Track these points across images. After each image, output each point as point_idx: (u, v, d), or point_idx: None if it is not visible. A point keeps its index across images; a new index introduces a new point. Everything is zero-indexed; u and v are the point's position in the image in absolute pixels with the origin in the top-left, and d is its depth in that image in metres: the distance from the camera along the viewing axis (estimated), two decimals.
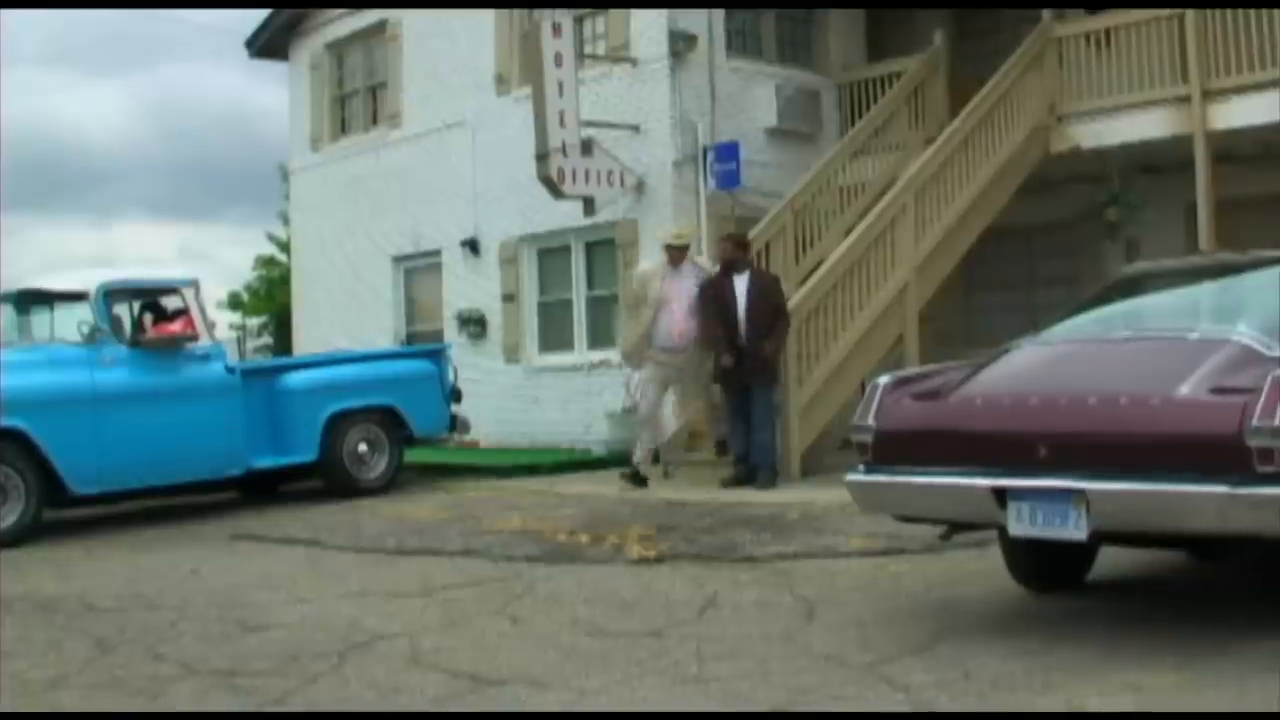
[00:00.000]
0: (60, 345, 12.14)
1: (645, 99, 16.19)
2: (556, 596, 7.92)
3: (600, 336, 17.15)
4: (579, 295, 17.52)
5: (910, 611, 7.00)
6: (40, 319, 12.91)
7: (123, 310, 12.82)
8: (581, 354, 17.31)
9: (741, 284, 12.42)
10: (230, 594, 8.49)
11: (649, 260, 13.60)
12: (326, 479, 13.55)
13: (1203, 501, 5.26)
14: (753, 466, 12.28)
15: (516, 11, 17.71)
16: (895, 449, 6.44)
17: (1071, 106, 15.33)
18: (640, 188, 16.13)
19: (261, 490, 13.98)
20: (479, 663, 6.23)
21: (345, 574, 9.16)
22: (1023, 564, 7.10)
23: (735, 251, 12.73)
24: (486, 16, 18.24)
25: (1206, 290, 6.84)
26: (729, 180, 15.63)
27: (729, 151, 15.72)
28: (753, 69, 16.83)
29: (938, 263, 14.29)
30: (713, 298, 12.48)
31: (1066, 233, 16.20)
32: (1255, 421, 5.16)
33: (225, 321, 33.72)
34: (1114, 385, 5.82)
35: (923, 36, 17.21)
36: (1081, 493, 5.63)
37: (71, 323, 12.32)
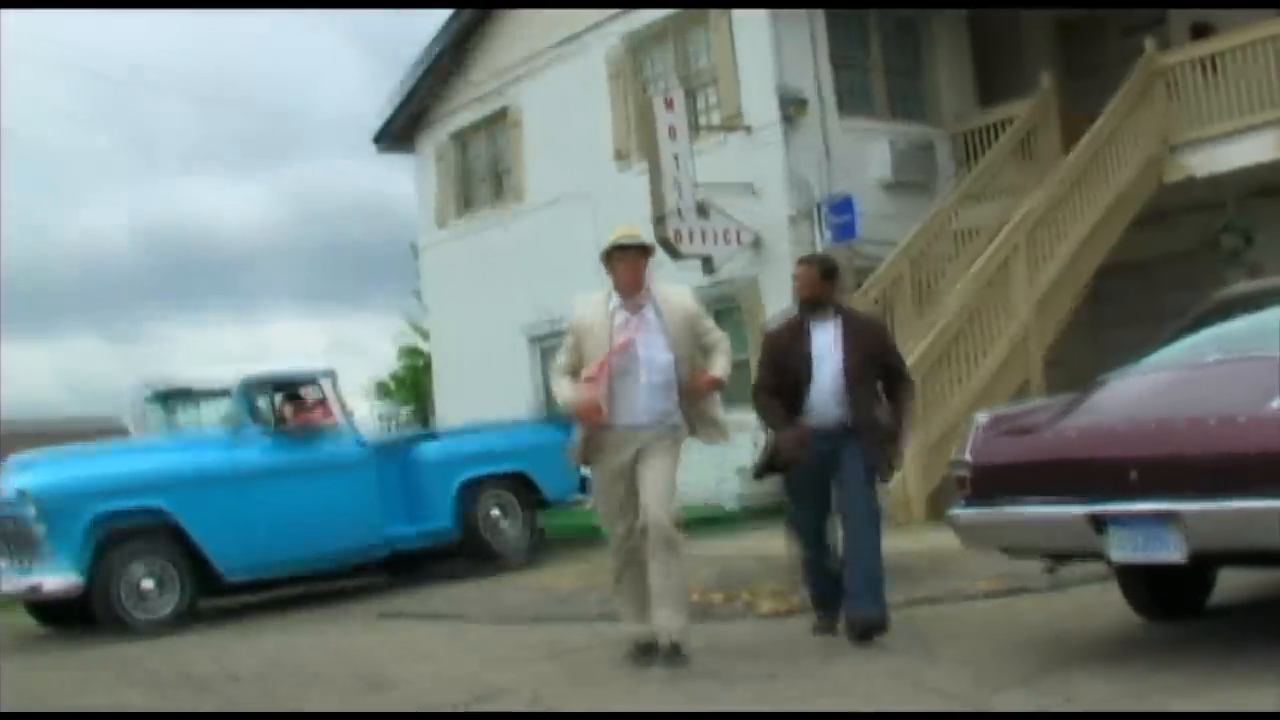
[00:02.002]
0: (202, 432, 12.69)
1: (760, 162, 16.51)
2: (690, 649, 8.13)
3: (726, 394, 17.32)
4: None
5: (1027, 646, 7.07)
6: (187, 415, 13.45)
7: (264, 402, 13.29)
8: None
9: (825, 334, 7.82)
10: (368, 663, 8.83)
11: (586, 296, 7.89)
12: (466, 550, 13.88)
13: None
14: (855, 611, 7.61)
15: (631, 87, 18.14)
16: (993, 483, 6.56)
17: (1183, 136, 15.39)
18: (757, 244, 16.41)
19: (409, 571, 14.34)
20: (591, 705, 6.46)
21: (483, 643, 9.42)
22: (1138, 594, 7.16)
23: (821, 285, 7.91)
24: (603, 94, 18.73)
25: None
26: (845, 232, 15.83)
27: (845, 204, 15.95)
28: (865, 126, 17.14)
29: (1057, 301, 14.38)
30: (777, 350, 7.99)
31: (1188, 263, 16.14)
32: None
33: (374, 411, 34.63)
34: (1202, 407, 5.89)
35: (1031, 79, 17.35)
36: (1177, 515, 5.70)
37: (216, 417, 12.87)
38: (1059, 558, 6.75)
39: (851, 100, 17.25)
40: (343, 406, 13.27)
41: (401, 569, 14.22)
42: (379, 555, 13.37)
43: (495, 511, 13.93)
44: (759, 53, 16.57)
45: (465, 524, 13.72)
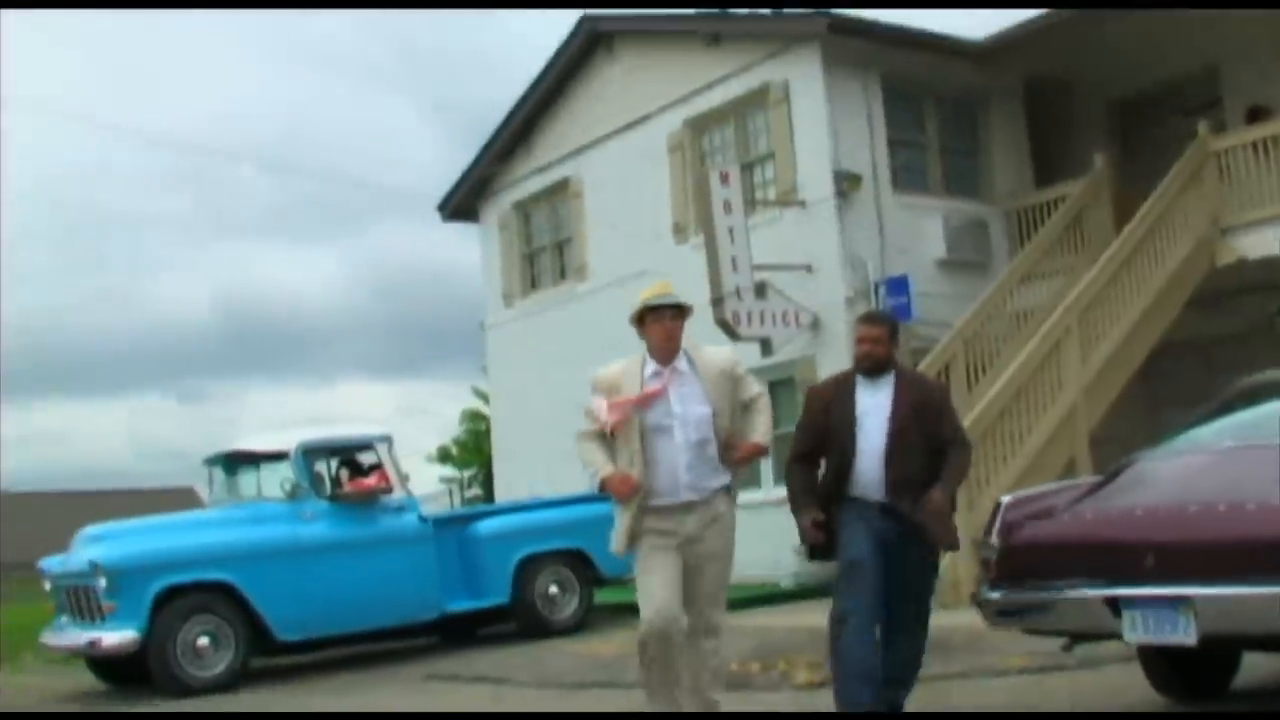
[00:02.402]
0: (264, 503, 13.04)
1: (816, 239, 16.72)
2: None
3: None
4: None
5: None
6: (247, 478, 13.82)
7: (322, 466, 13.61)
8: (768, 491, 17.63)
9: (877, 395, 6.92)
10: None
11: (612, 365, 7.07)
12: (519, 621, 14.11)
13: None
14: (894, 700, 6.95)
15: (690, 161, 18.47)
16: (1016, 565, 6.71)
17: (1234, 219, 15.45)
18: (815, 325, 16.58)
19: (460, 633, 14.56)
20: None
21: (524, 707, 9.64)
22: (1159, 673, 7.26)
23: (889, 345, 7.04)
24: (663, 168, 19.05)
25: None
26: (902, 313, 15.94)
27: (899, 286, 16.13)
28: (920, 203, 17.31)
29: (1107, 382, 14.42)
30: (818, 409, 7.07)
31: (1244, 345, 16.14)
32: None
33: (437, 475, 35.00)
34: (1214, 493, 6.04)
35: (1087, 159, 17.47)
36: (1189, 600, 5.83)
37: (275, 480, 13.22)
38: (1078, 637, 6.87)
39: (907, 177, 17.46)
40: (398, 471, 13.56)
41: (452, 632, 14.44)
42: (431, 620, 13.62)
43: (553, 589, 14.14)
44: (815, 130, 16.84)
45: (521, 598, 13.95)
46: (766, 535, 17.15)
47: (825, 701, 8.61)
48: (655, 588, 6.68)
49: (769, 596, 15.53)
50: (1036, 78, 18.44)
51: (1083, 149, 18.05)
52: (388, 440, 13.69)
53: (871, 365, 6.96)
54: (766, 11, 18.51)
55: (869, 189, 16.74)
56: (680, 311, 6.90)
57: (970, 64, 17.59)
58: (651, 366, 6.86)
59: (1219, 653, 7.14)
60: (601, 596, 14.99)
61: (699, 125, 18.77)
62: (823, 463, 7.06)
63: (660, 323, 6.85)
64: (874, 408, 6.88)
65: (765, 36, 17.62)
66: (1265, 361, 15.58)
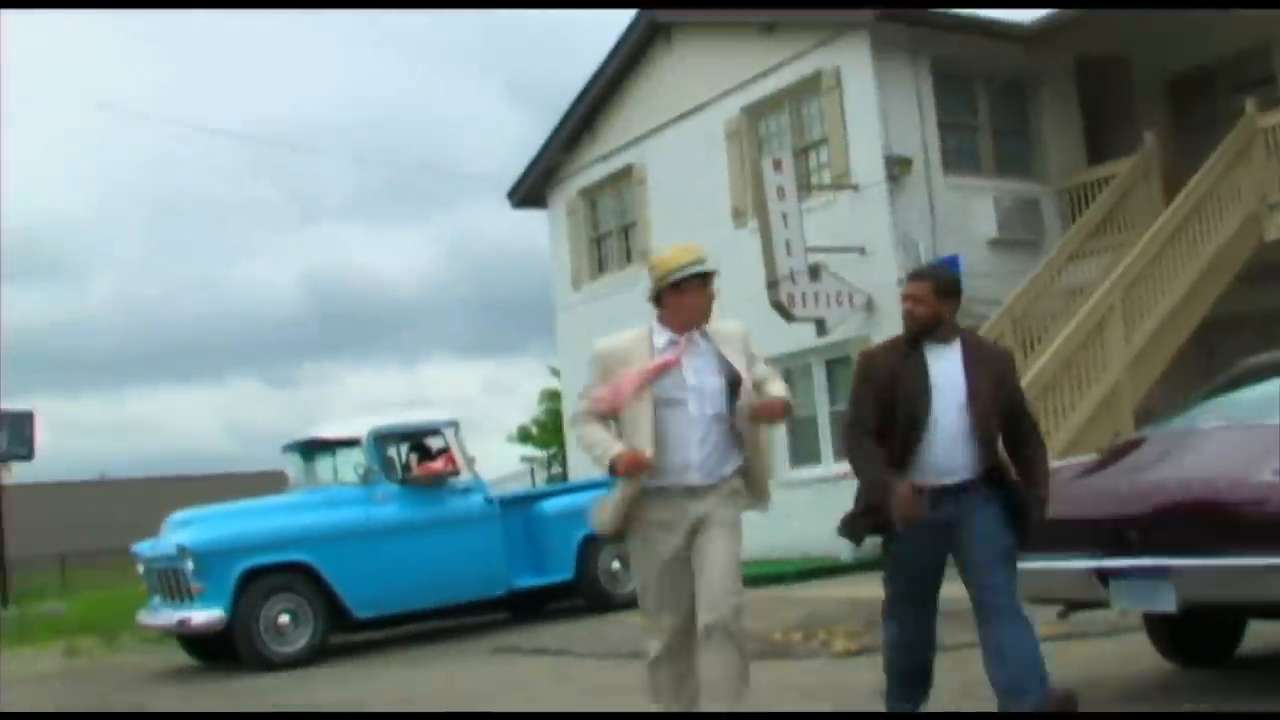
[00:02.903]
0: (338, 487, 13.77)
1: (868, 222, 17.17)
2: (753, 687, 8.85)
3: (796, 451, 18.29)
4: (823, 411, 18.44)
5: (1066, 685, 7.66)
6: (324, 463, 14.55)
7: (393, 451, 14.29)
8: (828, 466, 18.15)
9: (946, 360, 6.13)
10: (475, 695, 9.70)
11: (617, 336, 6.29)
12: (585, 596, 14.73)
13: (1272, 573, 5.93)
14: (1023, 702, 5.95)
15: (748, 148, 18.96)
16: None
17: None
18: (869, 306, 17.03)
19: (529, 609, 15.20)
20: None
21: (582, 676, 10.22)
22: (1162, 640, 7.72)
23: (938, 303, 6.14)
24: (721, 154, 19.56)
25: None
26: None
27: (951, 263, 16.44)
28: (971, 184, 17.72)
29: (1152, 358, 14.75)
30: (883, 377, 6.16)
31: None
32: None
33: (518, 454, 35.73)
34: (1195, 471, 6.51)
35: (1140, 136, 17.73)
36: (1168, 570, 6.31)
37: (350, 465, 13.94)
38: (1074, 605, 7.36)
39: (958, 159, 17.88)
40: (465, 454, 14.21)
41: (521, 607, 15.08)
42: (499, 596, 14.28)
43: (615, 564, 14.72)
44: (866, 115, 17.29)
45: (585, 574, 14.57)
46: (827, 511, 17.70)
47: (858, 667, 9.19)
48: (663, 615, 5.98)
49: (827, 569, 16.00)
50: (1088, 57, 18.71)
51: (1137, 126, 18.28)
52: (454, 425, 14.34)
53: (915, 326, 6.14)
54: None
55: (920, 172, 17.17)
56: (711, 278, 6.15)
57: (1020, 46, 17.94)
58: (664, 336, 6.07)
59: (1220, 619, 7.60)
60: None
61: (755, 112, 19.28)
62: None
63: (702, 290, 6.03)
64: (948, 378, 6.07)
65: (817, 25, 18.06)
66: None
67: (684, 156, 20.23)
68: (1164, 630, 7.66)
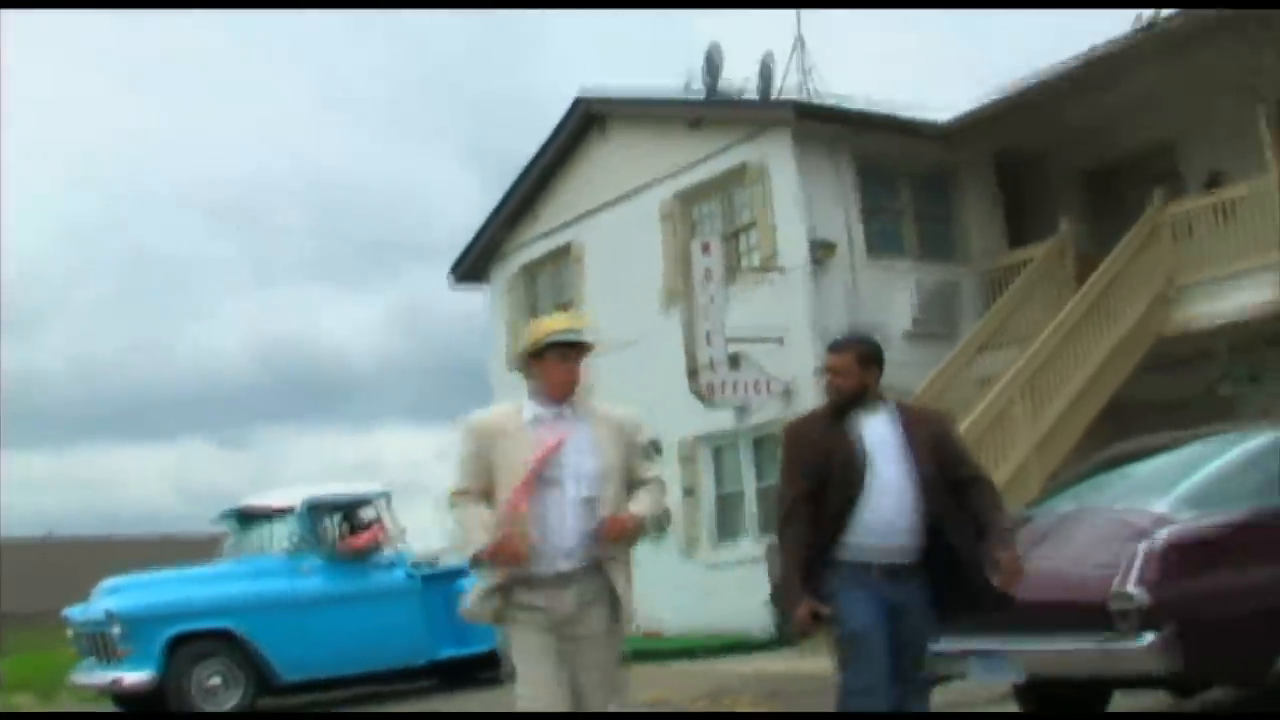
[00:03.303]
0: (266, 557, 14.26)
1: (790, 307, 17.77)
2: None
3: (770, 525, 18.57)
4: (750, 487, 19.01)
5: None
6: (260, 531, 15.02)
7: (327, 521, 14.77)
8: (753, 544, 18.58)
9: (877, 427, 5.88)
10: None
11: (493, 407, 6.17)
12: (504, 666, 15.10)
13: (1082, 654, 6.54)
14: None
15: (679, 230, 19.59)
16: None
17: (1190, 277, 16.46)
18: (787, 394, 17.61)
19: (459, 678, 15.45)
20: None
21: None
22: (1033, 703, 8.23)
23: (863, 373, 5.95)
24: (656, 236, 20.15)
25: (1156, 466, 8.05)
26: None
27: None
28: (894, 266, 18.50)
29: (1060, 438, 15.34)
30: (811, 446, 5.94)
31: (1191, 410, 17.00)
32: (1113, 589, 6.44)
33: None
34: (1038, 555, 7.04)
35: (1058, 223, 18.47)
36: (1007, 653, 7.03)
37: (284, 533, 14.44)
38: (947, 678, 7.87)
39: (881, 243, 18.58)
40: (395, 525, 14.73)
41: (449, 675, 15.40)
42: (423, 665, 14.71)
43: None
44: (790, 204, 17.98)
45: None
46: (747, 588, 18.21)
47: None
48: (541, 703, 5.51)
49: (738, 645, 16.41)
50: (1007, 150, 19.46)
51: (1055, 213, 18.96)
52: (386, 496, 14.88)
53: (840, 399, 5.91)
54: (743, 98, 19.68)
55: (844, 255, 17.83)
56: (586, 350, 5.81)
57: (939, 143, 18.69)
58: (532, 411, 5.68)
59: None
60: None
61: (688, 198, 19.93)
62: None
63: (565, 361, 5.68)
64: (880, 440, 5.80)
65: (741, 121, 18.83)
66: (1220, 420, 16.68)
67: (620, 237, 20.79)
68: (1032, 695, 8.19)
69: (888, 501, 5.68)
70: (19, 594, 46.50)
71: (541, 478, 5.54)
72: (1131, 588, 6.49)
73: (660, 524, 6.37)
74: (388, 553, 14.54)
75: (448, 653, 14.74)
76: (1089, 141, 18.82)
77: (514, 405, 5.79)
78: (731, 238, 19.06)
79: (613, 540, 5.59)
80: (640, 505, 5.68)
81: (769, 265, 18.26)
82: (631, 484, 5.74)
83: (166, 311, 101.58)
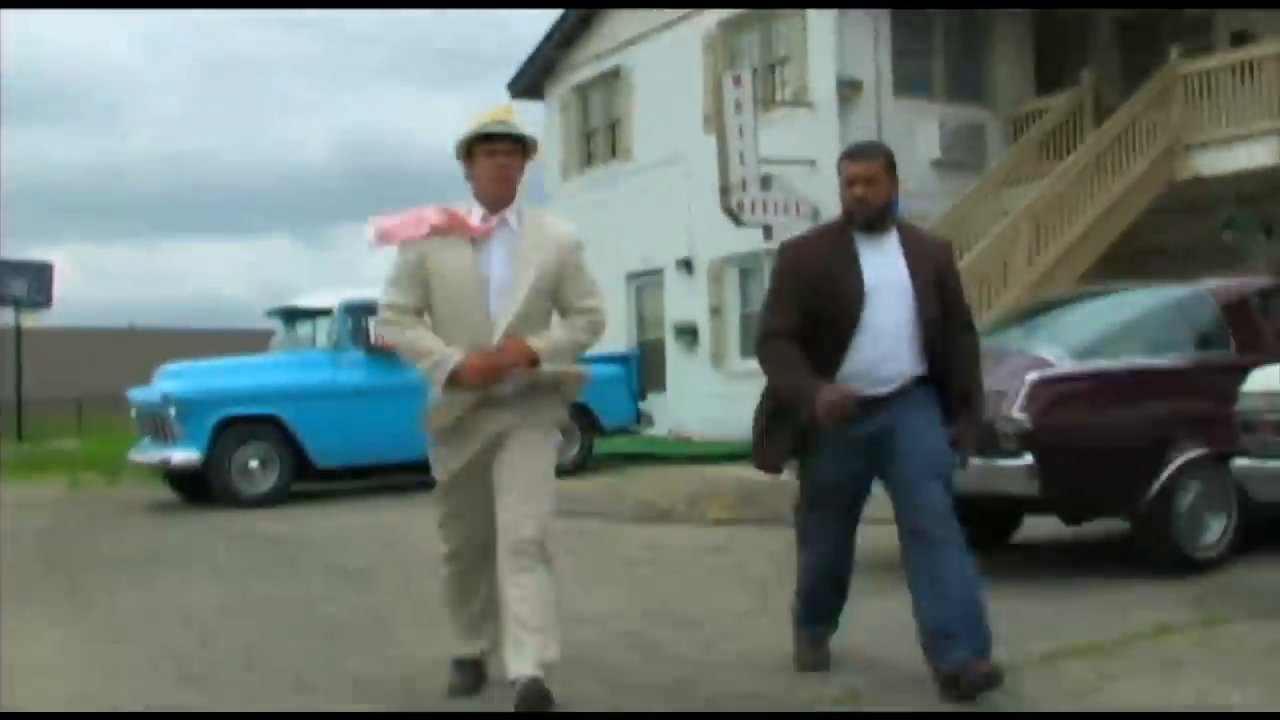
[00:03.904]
0: (310, 351, 15.50)
1: (820, 138, 18.56)
2: (619, 542, 10.54)
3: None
4: None
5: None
6: (304, 328, 16.29)
7: (365, 322, 15.89)
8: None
9: (883, 256, 5.35)
10: (398, 534, 11.44)
11: (413, 213, 5.35)
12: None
13: (972, 470, 7.54)
14: (953, 660, 5.10)
15: (721, 59, 20.36)
16: None
17: (1196, 137, 17.00)
18: (816, 216, 18.49)
19: None
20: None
21: None
22: None
23: (885, 183, 5.36)
24: (698, 65, 20.94)
25: (1072, 314, 9.07)
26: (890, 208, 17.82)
27: None
28: (919, 107, 19.09)
29: (1054, 281, 16.12)
30: (812, 273, 5.37)
31: (1197, 258, 17.71)
32: (1000, 412, 7.44)
33: None
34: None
35: (1095, 66, 19.09)
36: None
37: (326, 330, 15.67)
38: None
39: (910, 83, 19.25)
40: None
41: None
42: None
43: None
44: (824, 40, 18.70)
45: None
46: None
47: (716, 533, 10.83)
48: (454, 510, 5.47)
49: (746, 453, 17.51)
50: None
51: (1085, 63, 19.58)
52: None
53: (870, 213, 5.25)
54: None
55: (870, 94, 18.54)
56: (523, 148, 5.27)
57: None
58: (478, 214, 5.24)
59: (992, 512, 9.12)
60: (602, 447, 17.31)
61: (731, 27, 20.62)
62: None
63: (493, 156, 5.17)
64: (884, 276, 5.26)
65: None
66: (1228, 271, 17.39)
67: (666, 63, 21.64)
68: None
69: (879, 342, 5.21)
70: (99, 380, 48.56)
71: (463, 290, 5.16)
72: (1016, 413, 7.51)
73: (568, 361, 5.29)
74: None
75: None
76: None
77: (444, 211, 5.26)
78: (767, 71, 19.80)
79: (474, 375, 5.10)
80: (543, 339, 5.19)
81: (800, 100, 19.03)
82: (563, 310, 5.31)
83: (253, 110, 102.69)
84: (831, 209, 17.52)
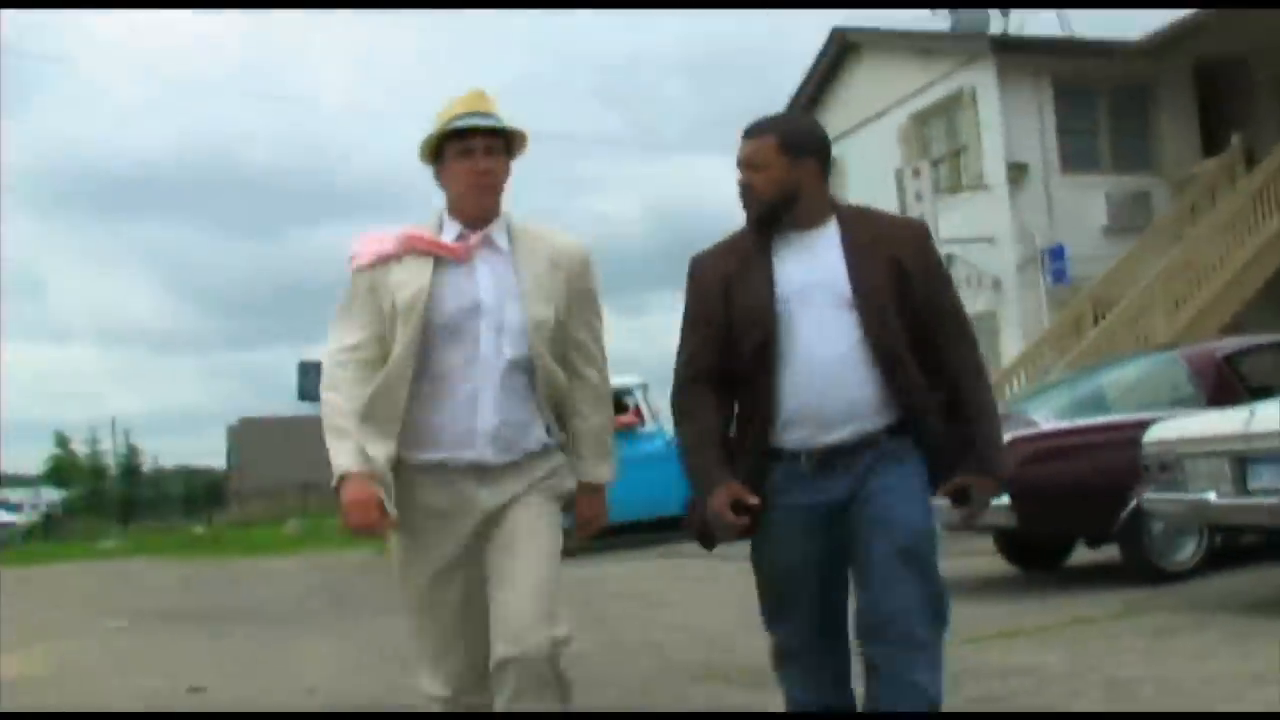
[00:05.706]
0: None
1: (995, 216, 20.95)
2: None
3: None
4: None
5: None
6: None
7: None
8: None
9: (811, 255, 3.89)
10: (648, 584, 14.09)
11: (378, 233, 4.00)
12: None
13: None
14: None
15: (914, 148, 22.96)
16: None
17: None
18: (996, 286, 20.90)
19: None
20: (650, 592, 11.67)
21: (728, 575, 11.95)
22: (1007, 550, 11.54)
23: (792, 167, 3.86)
24: (894, 153, 23.48)
25: (1066, 383, 11.55)
26: (1060, 276, 20.15)
27: (1058, 252, 20.26)
28: (1086, 181, 21.22)
29: (1197, 332, 17.81)
30: (713, 294, 3.98)
31: None
32: None
33: None
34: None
35: (1261, 131, 20.52)
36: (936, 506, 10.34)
37: None
38: None
39: (1076, 159, 21.37)
40: (650, 411, 18.97)
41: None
42: (675, 514, 18.83)
43: None
44: (994, 127, 21.13)
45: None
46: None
47: None
48: (439, 644, 4.09)
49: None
50: (1208, 59, 21.34)
51: (1254, 122, 20.98)
52: (644, 386, 19.10)
53: (758, 205, 3.90)
54: (945, 28, 22.67)
55: (1039, 172, 20.81)
56: (505, 144, 4.04)
57: (1137, 58, 21.09)
58: (452, 231, 4.01)
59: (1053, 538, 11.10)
60: None
61: (919, 119, 23.30)
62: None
63: (468, 157, 3.95)
64: (809, 279, 3.87)
65: (954, 51, 21.90)
66: None
67: (871, 154, 24.20)
68: (1008, 543, 11.33)
69: (819, 379, 3.81)
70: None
71: (444, 323, 3.92)
72: None
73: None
74: (647, 429, 18.78)
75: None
76: None
77: (413, 231, 4.01)
78: (953, 157, 22.30)
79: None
80: (599, 457, 4.35)
81: (977, 184, 21.48)
82: (569, 361, 4.09)
83: (557, 187, 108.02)
84: (1007, 279, 20.25)
